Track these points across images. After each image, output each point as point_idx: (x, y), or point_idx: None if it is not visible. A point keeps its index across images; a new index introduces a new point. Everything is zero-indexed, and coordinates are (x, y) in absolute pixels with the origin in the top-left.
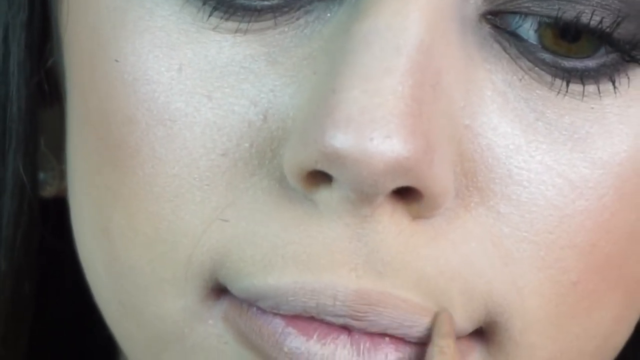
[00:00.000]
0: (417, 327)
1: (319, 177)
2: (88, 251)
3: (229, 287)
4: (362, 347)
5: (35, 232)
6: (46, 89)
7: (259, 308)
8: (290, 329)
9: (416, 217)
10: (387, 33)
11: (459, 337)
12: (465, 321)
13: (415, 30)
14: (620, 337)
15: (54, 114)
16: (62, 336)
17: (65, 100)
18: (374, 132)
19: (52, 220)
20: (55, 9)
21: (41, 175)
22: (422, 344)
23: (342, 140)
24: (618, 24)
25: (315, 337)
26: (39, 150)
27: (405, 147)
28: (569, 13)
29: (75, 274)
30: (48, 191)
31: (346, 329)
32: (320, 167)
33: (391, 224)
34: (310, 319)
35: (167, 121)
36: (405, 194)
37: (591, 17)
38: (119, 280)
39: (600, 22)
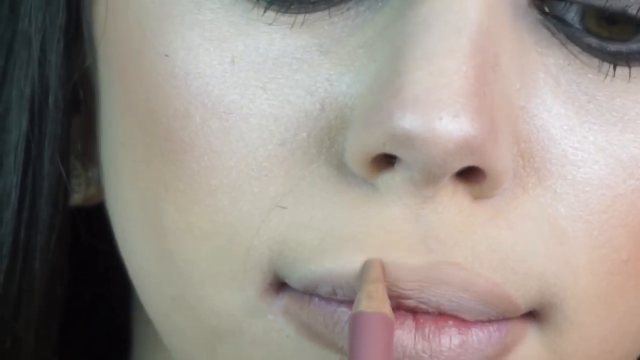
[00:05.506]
0: (466, 304)
1: (382, 162)
2: (135, 247)
3: (287, 280)
4: (427, 331)
5: (67, 235)
6: (81, 94)
7: (320, 298)
8: None
9: (477, 197)
10: (446, 15)
11: (512, 318)
12: (519, 300)
13: (475, 12)
14: None
15: (81, 121)
16: (87, 332)
17: (99, 102)
18: (442, 111)
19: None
20: (88, 9)
21: None
22: (482, 326)
23: (410, 120)
24: None
25: None
26: (72, 154)
27: (473, 126)
28: (615, 5)
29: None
30: (75, 199)
31: (411, 313)
32: (388, 149)
33: (451, 204)
34: None
35: (222, 114)
36: (468, 175)
37: (638, 10)
38: (171, 275)
39: None
